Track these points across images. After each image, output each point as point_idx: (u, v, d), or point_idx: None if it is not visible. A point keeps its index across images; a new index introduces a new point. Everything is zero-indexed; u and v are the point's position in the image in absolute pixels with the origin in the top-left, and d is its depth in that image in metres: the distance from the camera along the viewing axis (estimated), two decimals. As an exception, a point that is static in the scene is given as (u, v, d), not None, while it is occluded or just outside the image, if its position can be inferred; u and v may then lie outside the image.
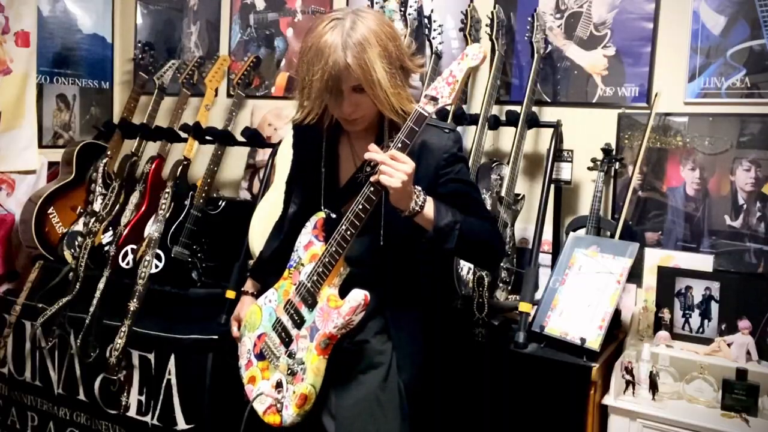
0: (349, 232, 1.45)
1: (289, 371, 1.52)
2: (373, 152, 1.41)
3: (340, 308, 1.47)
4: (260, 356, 1.61)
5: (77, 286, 2.56)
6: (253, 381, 1.60)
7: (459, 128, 2.47)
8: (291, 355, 1.53)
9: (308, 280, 1.53)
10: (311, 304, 1.52)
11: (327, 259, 1.50)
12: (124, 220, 2.67)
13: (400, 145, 1.40)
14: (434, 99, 1.41)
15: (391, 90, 1.43)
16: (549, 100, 2.45)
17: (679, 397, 1.87)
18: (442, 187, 1.53)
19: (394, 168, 1.38)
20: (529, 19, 2.36)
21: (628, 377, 1.86)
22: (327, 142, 1.62)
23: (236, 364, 1.68)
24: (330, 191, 1.61)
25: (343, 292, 1.50)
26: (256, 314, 1.65)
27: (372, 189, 1.43)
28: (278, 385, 1.54)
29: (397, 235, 1.54)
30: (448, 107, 1.42)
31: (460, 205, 1.52)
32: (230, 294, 2.38)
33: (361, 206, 1.44)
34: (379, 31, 1.42)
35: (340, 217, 1.49)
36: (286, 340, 1.56)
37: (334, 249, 1.48)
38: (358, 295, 1.47)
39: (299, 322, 1.54)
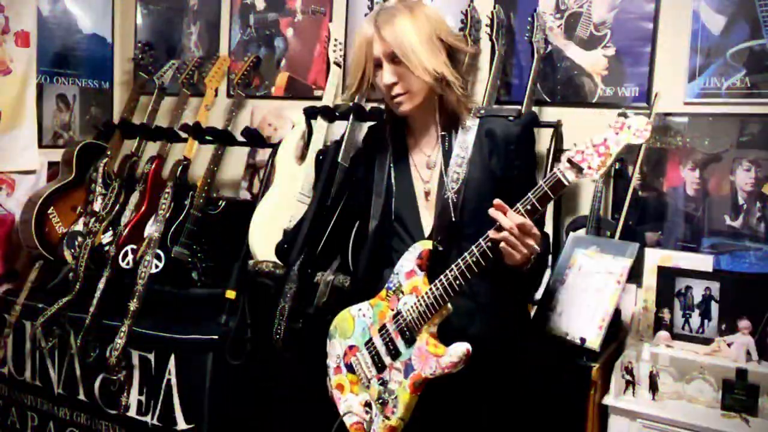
0: (458, 282, 1.42)
1: (380, 400, 1.52)
2: (500, 215, 1.35)
3: (440, 358, 1.44)
4: (350, 368, 1.61)
5: (77, 286, 2.56)
6: (341, 389, 1.62)
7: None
8: (383, 384, 1.53)
9: (408, 314, 1.50)
10: (409, 340, 1.49)
11: (431, 301, 1.45)
12: (124, 220, 2.67)
13: (529, 207, 1.34)
14: (579, 168, 1.29)
15: (424, 53, 1.43)
16: (549, 100, 2.45)
17: (679, 397, 1.87)
18: (502, 174, 1.52)
19: (521, 242, 1.34)
20: (529, 19, 2.36)
21: (628, 377, 1.86)
22: (394, 148, 1.62)
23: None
24: (406, 200, 1.58)
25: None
26: (348, 322, 1.62)
27: (490, 245, 1.38)
28: (367, 405, 1.55)
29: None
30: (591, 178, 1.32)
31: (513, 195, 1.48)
32: (230, 294, 2.38)
33: (475, 259, 1.40)
34: (413, 7, 1.48)
35: (447, 251, 1.48)
36: (379, 365, 1.55)
37: (439, 293, 1.44)
38: (461, 350, 1.43)
39: (394, 353, 1.52)
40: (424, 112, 1.55)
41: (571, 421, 1.84)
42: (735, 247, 2.15)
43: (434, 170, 1.57)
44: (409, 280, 1.51)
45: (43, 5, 3.05)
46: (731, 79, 2.16)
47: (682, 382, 1.88)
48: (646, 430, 1.81)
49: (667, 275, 2.06)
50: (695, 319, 2.01)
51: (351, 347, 1.60)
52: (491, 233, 1.37)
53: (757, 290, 1.95)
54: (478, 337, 1.46)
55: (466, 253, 1.41)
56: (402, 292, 1.52)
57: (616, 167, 2.29)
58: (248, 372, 2.30)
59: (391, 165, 1.62)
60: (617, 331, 2.09)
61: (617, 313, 2.05)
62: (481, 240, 1.40)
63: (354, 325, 1.61)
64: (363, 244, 1.70)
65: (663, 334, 1.99)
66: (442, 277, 1.44)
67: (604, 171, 1.28)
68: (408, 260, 1.52)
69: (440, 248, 1.49)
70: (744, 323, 1.90)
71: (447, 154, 1.55)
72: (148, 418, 2.35)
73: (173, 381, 2.30)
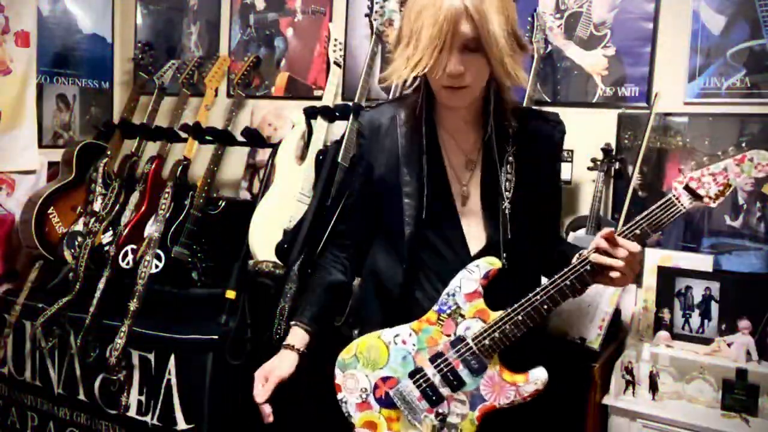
0: (545, 306, 1.30)
1: None
2: (608, 245, 1.26)
3: (519, 387, 1.35)
4: (385, 403, 1.41)
5: (77, 286, 2.56)
6: (373, 427, 1.42)
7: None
8: (442, 419, 1.37)
9: (476, 342, 1.34)
10: (477, 370, 1.35)
11: (508, 328, 1.31)
12: (124, 220, 2.67)
13: (638, 232, 1.28)
14: (696, 195, 1.26)
15: (506, 47, 1.27)
16: (549, 100, 2.45)
17: (679, 397, 1.87)
18: (541, 186, 1.43)
19: (631, 269, 1.26)
20: (529, 19, 2.37)
21: (628, 377, 1.86)
22: (427, 142, 1.41)
23: (329, 393, 1.48)
24: (442, 206, 1.41)
25: None
26: (380, 351, 1.41)
27: (589, 269, 1.28)
28: None
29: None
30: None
31: (547, 209, 1.44)
32: (230, 294, 2.38)
33: (569, 283, 1.29)
34: None
35: (512, 267, 1.35)
36: (433, 398, 1.37)
37: (521, 318, 1.30)
38: (543, 376, 1.35)
39: (456, 384, 1.36)
40: (470, 107, 1.39)
41: (571, 421, 1.83)
42: (735, 247, 2.15)
43: (474, 172, 1.42)
44: (472, 302, 1.36)
45: (43, 5, 3.05)
46: (731, 79, 2.16)
47: (682, 382, 1.88)
48: (646, 430, 1.81)
49: (667, 275, 2.06)
50: (695, 319, 2.01)
51: (385, 379, 1.40)
52: (595, 258, 1.27)
53: (757, 290, 1.95)
54: (540, 360, 1.38)
55: (555, 276, 1.30)
56: (462, 316, 1.36)
57: (616, 167, 2.29)
58: (248, 372, 2.29)
59: (425, 161, 1.40)
60: (617, 331, 2.09)
61: (617, 313, 2.05)
62: (575, 262, 1.30)
63: (388, 354, 1.40)
64: (374, 251, 1.50)
65: (663, 334, 1.99)
66: (524, 301, 1.31)
67: (722, 200, 1.28)
68: (469, 280, 1.36)
69: (506, 266, 1.36)
70: (744, 323, 1.90)
71: (500, 158, 1.39)
72: (148, 418, 2.35)
73: (173, 381, 2.30)
